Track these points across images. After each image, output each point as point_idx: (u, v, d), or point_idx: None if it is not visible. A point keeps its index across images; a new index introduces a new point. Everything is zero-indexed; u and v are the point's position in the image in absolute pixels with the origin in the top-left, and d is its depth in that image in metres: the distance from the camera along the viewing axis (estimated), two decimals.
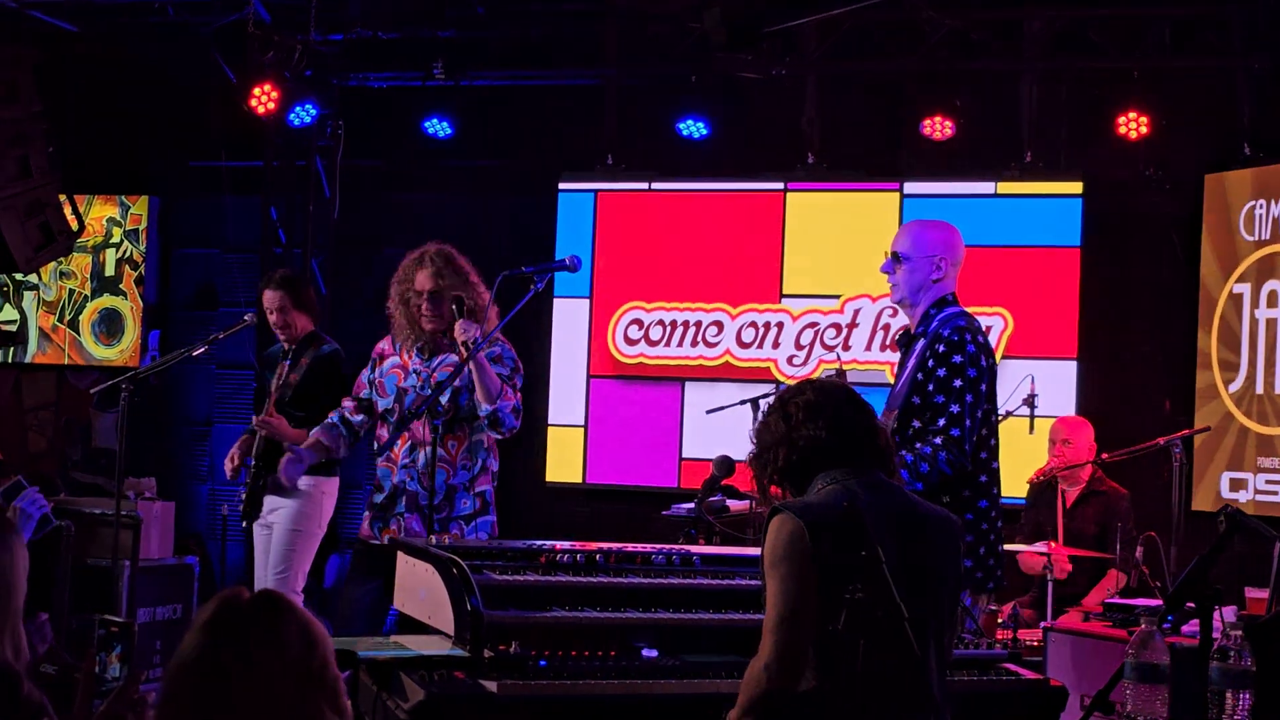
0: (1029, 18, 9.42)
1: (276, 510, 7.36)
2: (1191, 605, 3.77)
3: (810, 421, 3.74)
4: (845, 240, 9.60)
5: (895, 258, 5.44)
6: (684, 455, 9.86)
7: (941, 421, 5.13)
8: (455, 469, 6.30)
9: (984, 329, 5.39)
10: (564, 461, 10.07)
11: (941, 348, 5.21)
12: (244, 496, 7.24)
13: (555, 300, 9.98)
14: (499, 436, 6.37)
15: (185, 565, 9.65)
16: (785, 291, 9.76)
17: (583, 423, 10.05)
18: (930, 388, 5.21)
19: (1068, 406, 8.93)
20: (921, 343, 5.30)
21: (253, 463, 7.21)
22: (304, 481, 7.27)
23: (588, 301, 10.06)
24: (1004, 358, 9.07)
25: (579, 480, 10.04)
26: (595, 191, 10.10)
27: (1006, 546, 7.27)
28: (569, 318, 10.09)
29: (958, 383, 5.15)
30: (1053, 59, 9.51)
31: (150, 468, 10.05)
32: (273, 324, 7.50)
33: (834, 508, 3.61)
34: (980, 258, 9.18)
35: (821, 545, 3.52)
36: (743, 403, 7.39)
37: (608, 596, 4.51)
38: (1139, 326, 9.52)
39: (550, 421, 10.08)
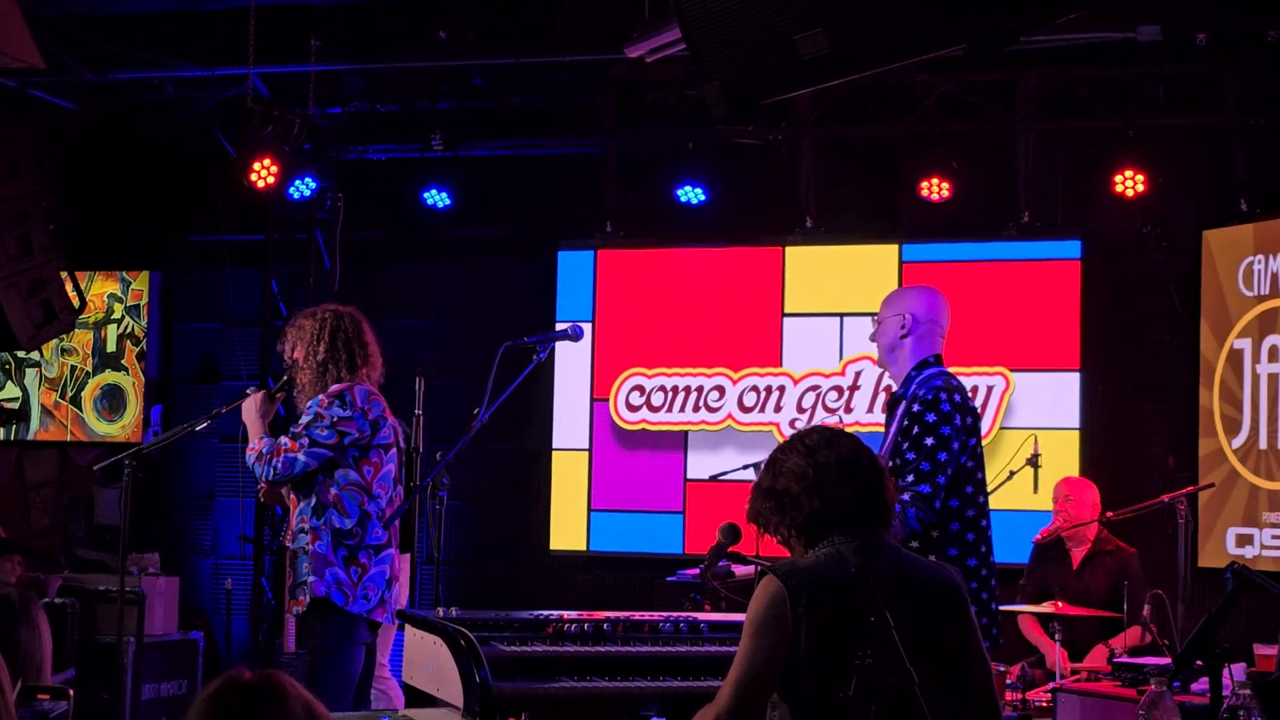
0: (1022, 79, 9.47)
1: None
2: (1200, 664, 3.76)
3: (844, 482, 3.68)
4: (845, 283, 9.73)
5: (874, 320, 5.54)
6: (688, 476, 9.89)
7: (910, 478, 5.12)
8: (294, 532, 5.92)
9: (967, 389, 5.37)
10: (569, 487, 10.06)
11: (916, 407, 5.22)
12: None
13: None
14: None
15: (190, 640, 9.65)
16: (787, 311, 9.81)
17: (587, 446, 10.08)
18: (904, 445, 5.21)
19: (1070, 465, 8.97)
20: (902, 406, 5.31)
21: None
22: None
23: (589, 335, 10.01)
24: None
25: (583, 516, 10.03)
26: (595, 249, 10.15)
27: (1009, 608, 7.26)
28: (570, 356, 10.06)
29: (929, 440, 5.14)
30: (1047, 119, 9.56)
31: (153, 543, 10.04)
32: None
33: (825, 572, 3.60)
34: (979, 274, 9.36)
35: (801, 610, 3.52)
36: (745, 468, 7.42)
37: (616, 665, 4.51)
38: (1140, 381, 9.52)
39: (555, 446, 10.12)
